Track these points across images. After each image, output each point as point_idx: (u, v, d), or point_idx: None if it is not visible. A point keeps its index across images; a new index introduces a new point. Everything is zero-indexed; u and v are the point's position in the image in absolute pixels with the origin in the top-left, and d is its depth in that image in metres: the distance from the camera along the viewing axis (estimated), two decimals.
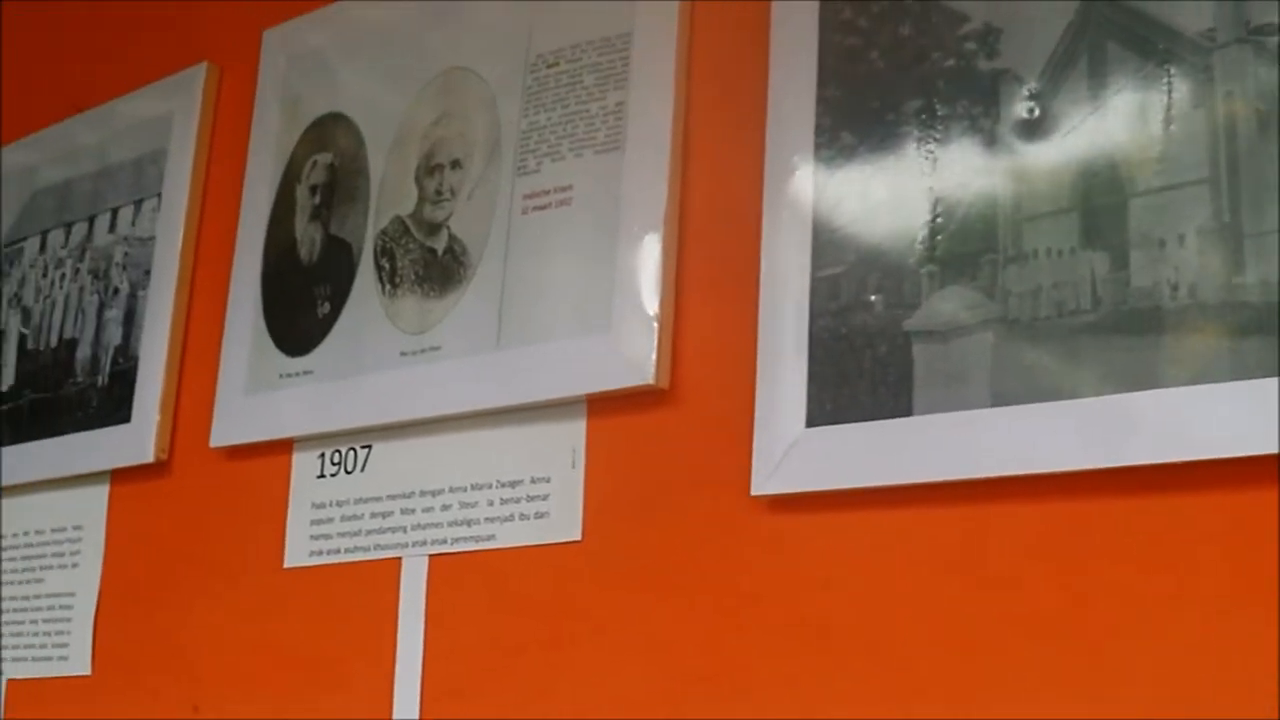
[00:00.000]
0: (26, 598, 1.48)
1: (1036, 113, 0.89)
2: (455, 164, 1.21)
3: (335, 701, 1.18)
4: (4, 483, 1.53)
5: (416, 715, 1.12)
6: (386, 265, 1.23)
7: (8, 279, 1.60)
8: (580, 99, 1.12)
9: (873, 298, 0.93)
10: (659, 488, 1.03)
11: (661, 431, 1.04)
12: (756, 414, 0.96)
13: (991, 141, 0.91)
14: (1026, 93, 0.90)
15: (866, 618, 0.90)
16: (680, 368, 1.04)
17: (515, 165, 1.16)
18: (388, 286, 1.22)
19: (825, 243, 0.96)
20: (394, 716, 1.14)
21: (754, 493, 0.96)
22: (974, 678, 0.85)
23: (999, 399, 0.85)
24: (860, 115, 0.97)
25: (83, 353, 1.47)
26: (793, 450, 0.94)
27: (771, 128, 1.02)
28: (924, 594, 0.88)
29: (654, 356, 1.03)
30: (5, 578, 1.51)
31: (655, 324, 1.03)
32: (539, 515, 1.09)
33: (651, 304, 1.04)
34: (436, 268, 1.19)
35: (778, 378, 0.96)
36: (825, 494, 0.93)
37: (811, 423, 0.94)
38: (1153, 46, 0.85)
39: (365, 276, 1.24)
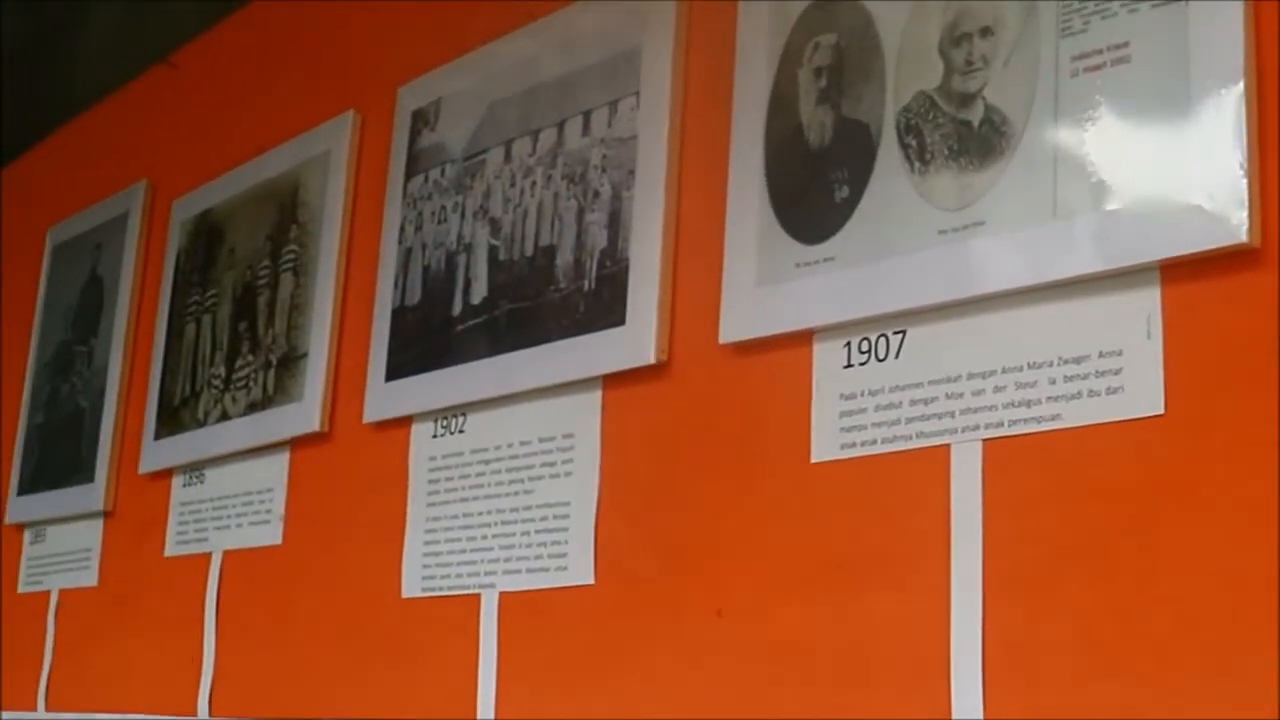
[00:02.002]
0: (515, 510, 1.59)
1: None
2: (985, 31, 1.24)
3: (880, 599, 1.23)
4: (483, 396, 1.64)
5: (979, 609, 1.16)
6: (913, 142, 1.27)
7: (470, 193, 1.72)
8: None
9: None
10: (1252, 354, 1.05)
11: (1251, 294, 1.06)
12: None
13: None
14: None
15: None
16: (1269, 225, 1.05)
17: (1058, 26, 1.19)
18: (916, 164, 1.27)
19: None
20: (952, 612, 1.18)
21: None
22: None
23: None
24: None
25: (563, 259, 1.57)
26: None
27: None
28: None
29: (1244, 214, 1.05)
30: (489, 491, 1.63)
31: (1243, 178, 1.05)
32: (1111, 391, 1.12)
33: (1235, 159, 1.06)
34: (973, 140, 1.23)
35: None
36: None
37: None
38: None
39: (888, 156, 1.29)
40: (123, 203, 2.50)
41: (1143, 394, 1.09)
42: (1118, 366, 1.11)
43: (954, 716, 1.15)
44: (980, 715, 1.14)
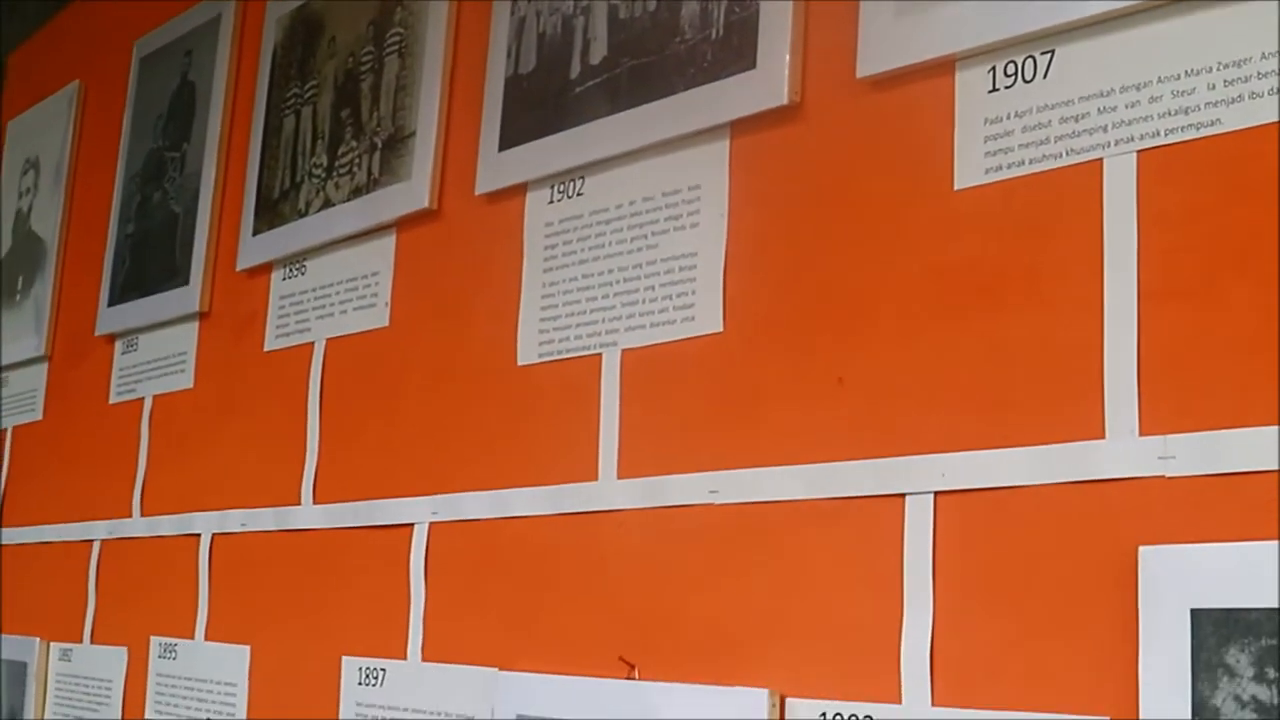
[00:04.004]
0: (638, 266, 1.61)
1: None
2: None
3: (1029, 320, 1.25)
4: (603, 155, 1.66)
5: (1134, 322, 1.18)
6: None
7: None
8: None
9: None
10: None
11: None
12: None
13: None
14: None
15: None
16: None
17: None
18: None
19: None
20: (1105, 327, 1.20)
21: None
22: None
23: None
24: None
25: (689, 9, 1.57)
26: None
27: None
28: None
29: None
30: (610, 251, 1.64)
31: None
32: (1273, 91, 1.13)
33: None
34: None
35: None
36: None
37: None
38: None
39: None
40: (214, 7, 2.51)
41: None
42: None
43: (1108, 427, 1.16)
44: (1136, 424, 1.15)
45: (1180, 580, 1.08)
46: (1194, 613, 1.07)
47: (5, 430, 3.08)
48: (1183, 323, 1.14)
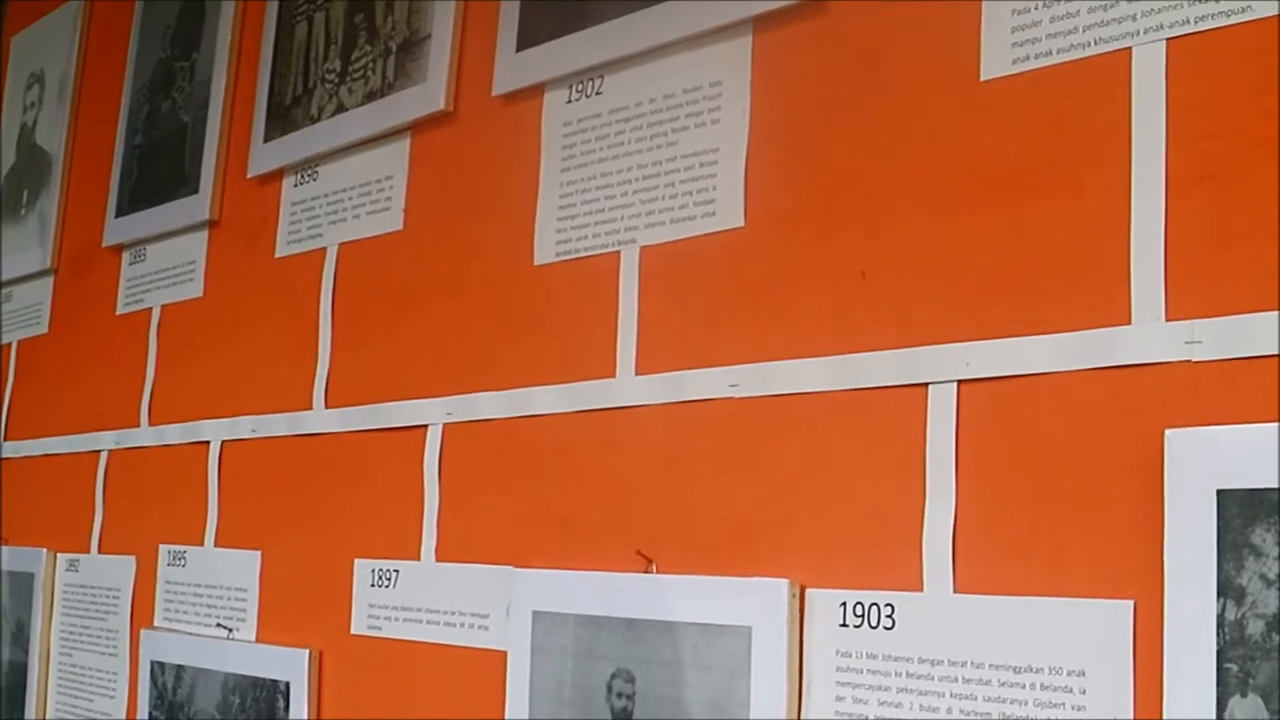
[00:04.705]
0: (658, 164, 1.61)
1: None
2: None
3: (1055, 207, 1.25)
4: (623, 54, 1.65)
5: (1161, 206, 1.18)
6: None
7: None
8: None
9: None
10: None
11: None
12: None
13: None
14: None
15: None
16: None
17: None
18: None
19: None
20: (1132, 212, 1.20)
21: None
22: None
23: None
24: None
25: None
26: None
27: None
28: None
29: None
30: (629, 149, 1.64)
31: None
32: None
33: None
34: None
35: None
36: None
37: None
38: None
39: None
40: None
41: None
42: None
43: (1134, 313, 1.17)
44: (1163, 309, 1.15)
45: (1206, 462, 1.09)
46: (1220, 494, 1.08)
47: (8, 345, 3.07)
48: (1210, 208, 1.15)
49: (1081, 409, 1.20)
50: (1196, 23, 1.18)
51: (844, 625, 1.33)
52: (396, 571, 1.87)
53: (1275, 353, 1.08)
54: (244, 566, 2.18)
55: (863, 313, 1.37)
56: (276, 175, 2.25)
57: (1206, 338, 1.13)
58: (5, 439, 3.04)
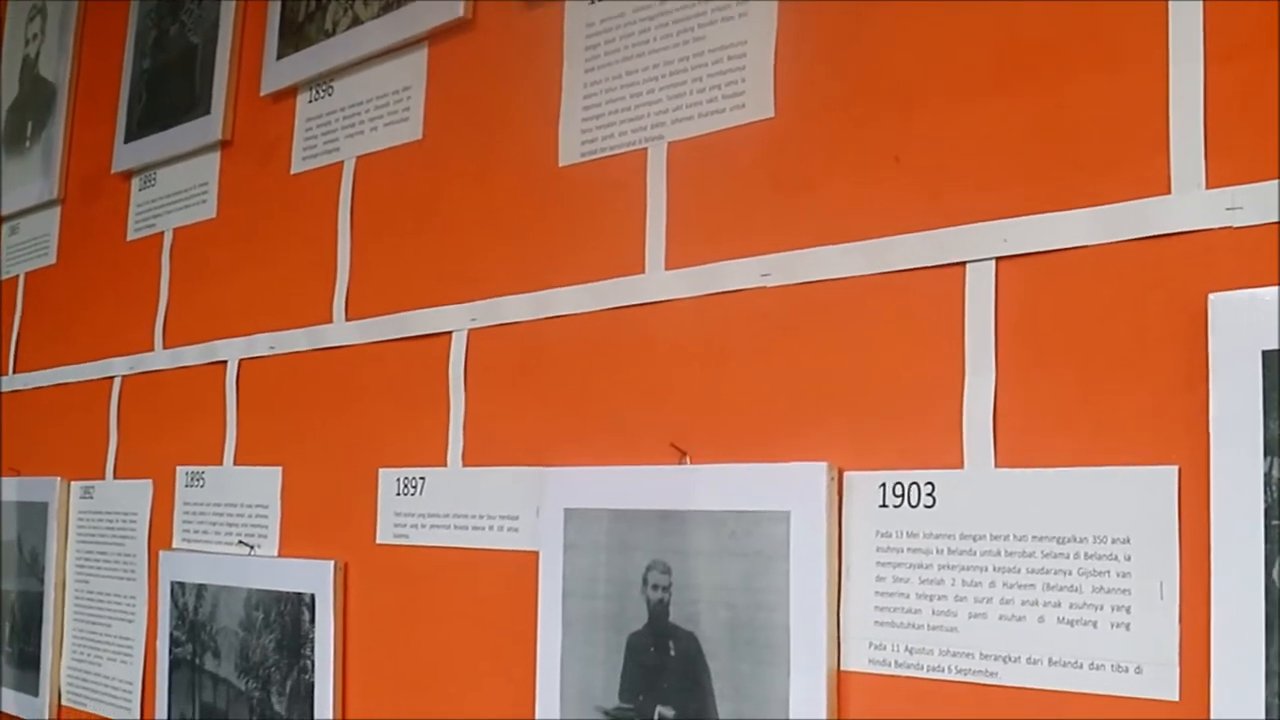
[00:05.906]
0: (685, 59, 1.60)
1: None
2: None
3: (1087, 83, 1.24)
4: None
5: (1200, 75, 1.18)
6: None
7: None
8: None
9: None
10: None
11: None
12: None
13: None
14: None
15: None
16: None
17: None
18: None
19: None
20: (1170, 83, 1.20)
21: None
22: None
23: None
24: None
25: None
26: None
27: None
28: None
29: None
30: (655, 45, 1.63)
31: None
32: None
33: None
34: None
35: None
36: None
37: None
38: None
39: None
40: None
41: None
42: None
43: (1174, 182, 1.17)
44: (1203, 177, 1.16)
45: (1251, 323, 1.10)
46: (1265, 354, 1.09)
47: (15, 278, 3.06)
48: (1248, 75, 1.15)
49: (1122, 280, 1.20)
50: None
51: (883, 506, 1.33)
52: (423, 479, 1.88)
53: None
54: (265, 483, 2.18)
55: (897, 196, 1.37)
56: (290, 92, 2.24)
57: (1248, 204, 1.14)
58: (15, 372, 3.03)
